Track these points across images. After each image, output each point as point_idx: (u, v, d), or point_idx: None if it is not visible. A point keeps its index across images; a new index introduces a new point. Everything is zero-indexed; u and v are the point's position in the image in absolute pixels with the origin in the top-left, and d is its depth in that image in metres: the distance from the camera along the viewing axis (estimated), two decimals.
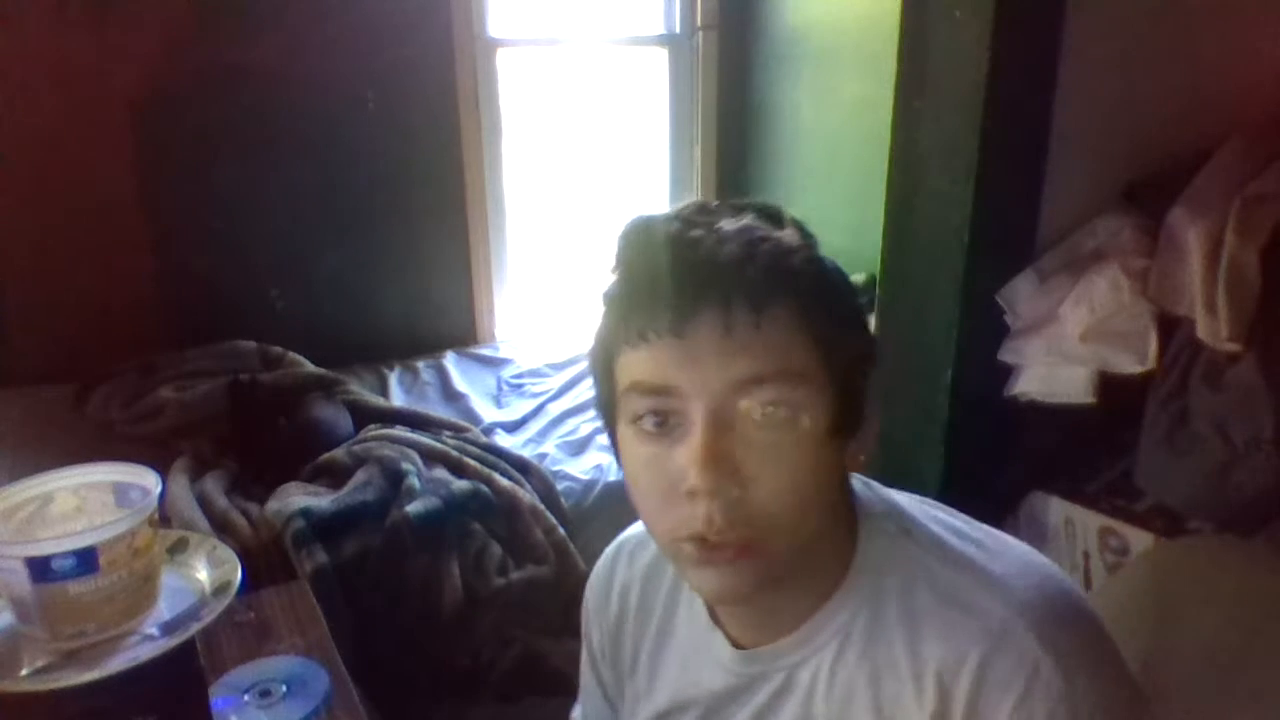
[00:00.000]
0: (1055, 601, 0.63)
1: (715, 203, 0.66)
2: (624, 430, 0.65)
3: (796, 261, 0.61)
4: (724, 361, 0.59)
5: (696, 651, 0.75)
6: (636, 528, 0.84)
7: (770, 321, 0.59)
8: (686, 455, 0.60)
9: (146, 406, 1.99)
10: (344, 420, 2.00)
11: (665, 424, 0.62)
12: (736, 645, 0.72)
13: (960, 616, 0.62)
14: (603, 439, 2.05)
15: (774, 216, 0.65)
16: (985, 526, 0.70)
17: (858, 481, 0.72)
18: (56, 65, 2.06)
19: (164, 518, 1.12)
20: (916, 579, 0.65)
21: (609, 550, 0.86)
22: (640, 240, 0.64)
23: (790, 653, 0.68)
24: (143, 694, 0.73)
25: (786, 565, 0.63)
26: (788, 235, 0.63)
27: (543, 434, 2.11)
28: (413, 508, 1.66)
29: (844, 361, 0.62)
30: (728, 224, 0.62)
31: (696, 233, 0.61)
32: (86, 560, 0.70)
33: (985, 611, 0.61)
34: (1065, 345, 1.96)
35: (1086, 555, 1.85)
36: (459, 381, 2.39)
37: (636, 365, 0.62)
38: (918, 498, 0.73)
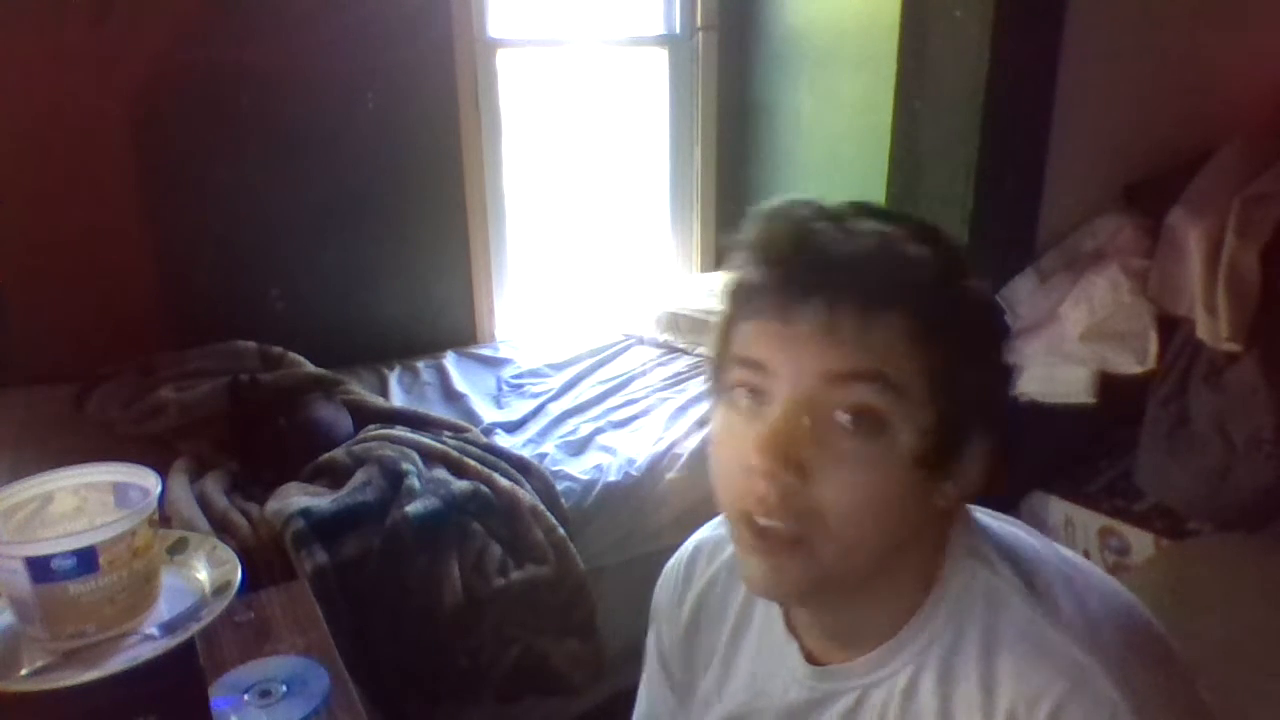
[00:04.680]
0: (1136, 642, 0.62)
1: (872, 204, 0.66)
2: (722, 400, 0.66)
3: (921, 278, 0.60)
4: (819, 351, 0.59)
5: (769, 659, 0.75)
6: (714, 528, 0.85)
7: (879, 327, 0.59)
8: (757, 434, 0.60)
9: (146, 406, 1.99)
10: (344, 420, 2.00)
11: (756, 399, 0.63)
12: (810, 658, 0.71)
13: (1038, 656, 0.61)
14: (603, 439, 2.06)
15: (921, 229, 0.63)
16: (1074, 556, 0.69)
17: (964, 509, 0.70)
18: (56, 65, 2.06)
19: (164, 518, 1.12)
20: (999, 614, 0.64)
21: (685, 550, 0.87)
22: (771, 220, 0.64)
23: (864, 673, 0.68)
24: (143, 694, 0.73)
25: (840, 580, 0.63)
26: (921, 250, 0.61)
27: (543, 434, 2.11)
28: (413, 508, 1.66)
29: (956, 394, 0.61)
30: (863, 224, 0.61)
31: (824, 224, 0.61)
32: (86, 560, 0.70)
33: (1064, 653, 0.60)
34: (1065, 345, 1.97)
35: (1086, 555, 1.85)
36: (459, 381, 2.39)
37: (743, 338, 0.64)
38: (1016, 522, 0.72)
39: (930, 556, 0.67)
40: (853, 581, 0.64)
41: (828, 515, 0.60)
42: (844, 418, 0.59)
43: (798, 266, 0.61)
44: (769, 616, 0.76)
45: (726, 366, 0.65)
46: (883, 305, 0.59)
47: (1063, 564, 0.68)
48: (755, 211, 0.65)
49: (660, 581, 0.88)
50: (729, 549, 0.80)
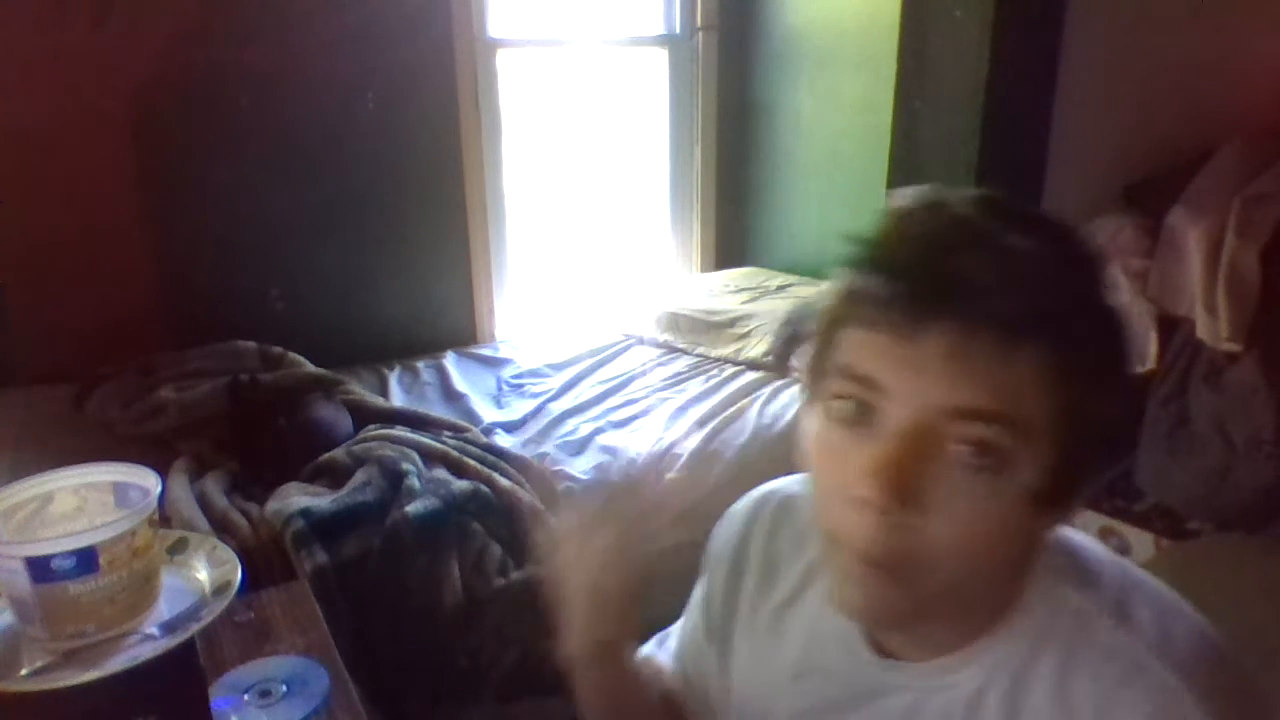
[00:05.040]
0: (1220, 670, 0.61)
1: (1014, 204, 0.58)
2: (821, 405, 0.61)
3: (1070, 302, 0.55)
4: (945, 382, 0.54)
5: (827, 637, 0.72)
6: (789, 484, 0.81)
7: (1015, 361, 0.53)
8: (871, 462, 0.56)
9: (146, 406, 1.99)
10: (344, 420, 2.00)
11: (863, 415, 0.57)
12: (874, 648, 0.69)
13: (1126, 676, 0.59)
14: (603, 439, 2.06)
15: (1072, 244, 0.57)
16: (1154, 579, 0.66)
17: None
18: (56, 65, 2.06)
19: (164, 518, 1.12)
20: (1084, 634, 0.61)
21: (752, 497, 0.83)
22: (904, 220, 0.58)
23: (928, 677, 0.66)
24: (143, 694, 0.73)
25: (940, 605, 0.61)
26: (1071, 270, 0.56)
27: (543, 434, 2.11)
28: (413, 508, 1.66)
29: (1082, 430, 0.56)
30: (1005, 239, 0.55)
31: (965, 237, 0.55)
32: (86, 560, 0.70)
33: (1155, 675, 0.58)
34: None
35: None
36: (459, 381, 2.39)
37: (855, 348, 0.58)
38: (1094, 540, 0.70)
39: (1015, 574, 0.64)
40: (951, 607, 0.62)
41: (936, 550, 0.56)
42: (962, 450, 0.55)
43: (929, 284, 0.54)
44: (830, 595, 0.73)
45: (828, 373, 0.60)
46: (1024, 337, 0.53)
47: (1149, 588, 0.65)
48: (882, 212, 0.60)
49: (724, 519, 0.85)
50: (800, 514, 0.78)
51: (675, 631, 0.93)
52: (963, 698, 0.64)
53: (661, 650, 0.94)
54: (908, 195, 0.59)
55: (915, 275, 0.55)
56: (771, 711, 0.76)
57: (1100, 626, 0.62)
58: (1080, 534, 0.70)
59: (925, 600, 0.59)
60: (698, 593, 0.89)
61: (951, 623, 0.64)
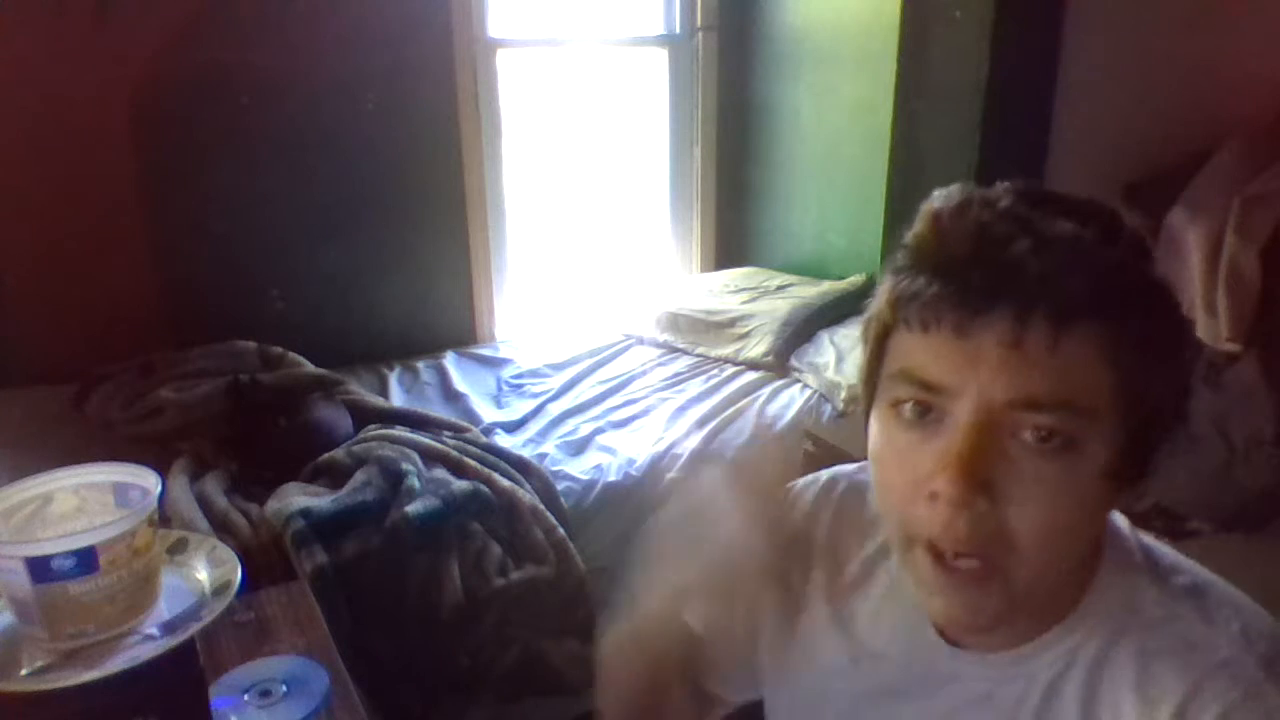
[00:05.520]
0: None
1: (1048, 192, 0.59)
2: (882, 409, 0.61)
3: (1118, 282, 0.55)
4: (1005, 374, 0.55)
5: (896, 624, 0.72)
6: (855, 470, 0.80)
7: (1070, 344, 0.54)
8: (940, 458, 0.56)
9: (146, 406, 1.99)
10: (344, 420, 2.00)
11: (926, 415, 0.58)
12: (944, 634, 0.68)
13: (1210, 666, 0.58)
14: (603, 439, 2.06)
15: (1110, 223, 0.58)
16: (1223, 580, 0.66)
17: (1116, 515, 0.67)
18: (57, 65, 2.06)
19: (164, 518, 1.12)
20: (1160, 623, 0.61)
21: (825, 477, 0.82)
22: (947, 218, 0.58)
23: (1002, 667, 0.65)
24: (143, 694, 0.73)
25: (1031, 601, 0.60)
26: (1119, 251, 0.56)
27: (543, 434, 2.11)
28: (413, 508, 1.66)
29: (1145, 404, 0.57)
30: (1050, 226, 0.55)
31: (1010, 228, 0.56)
32: (86, 560, 0.70)
33: (1239, 665, 0.58)
34: None
35: None
36: (459, 381, 2.39)
37: (910, 352, 0.59)
38: (1162, 543, 0.69)
39: (1087, 563, 0.64)
40: (1042, 599, 0.61)
41: (1019, 539, 0.56)
42: (1030, 436, 0.55)
43: (980, 277, 0.55)
44: (899, 583, 0.72)
45: (887, 380, 0.61)
46: (1075, 319, 0.54)
47: (1222, 585, 0.65)
48: (924, 210, 0.60)
49: (787, 502, 0.82)
50: (867, 502, 0.77)
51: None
52: (1039, 686, 0.64)
53: None
54: (942, 196, 0.60)
55: (965, 271, 0.56)
56: (828, 692, 0.76)
57: (1181, 618, 0.62)
58: (1147, 535, 0.69)
59: (1022, 597, 0.59)
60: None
61: (1025, 612, 0.64)
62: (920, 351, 0.58)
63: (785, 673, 0.80)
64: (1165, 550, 0.68)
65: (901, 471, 0.60)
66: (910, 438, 0.59)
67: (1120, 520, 0.68)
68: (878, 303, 0.62)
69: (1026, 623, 0.65)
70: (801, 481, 0.83)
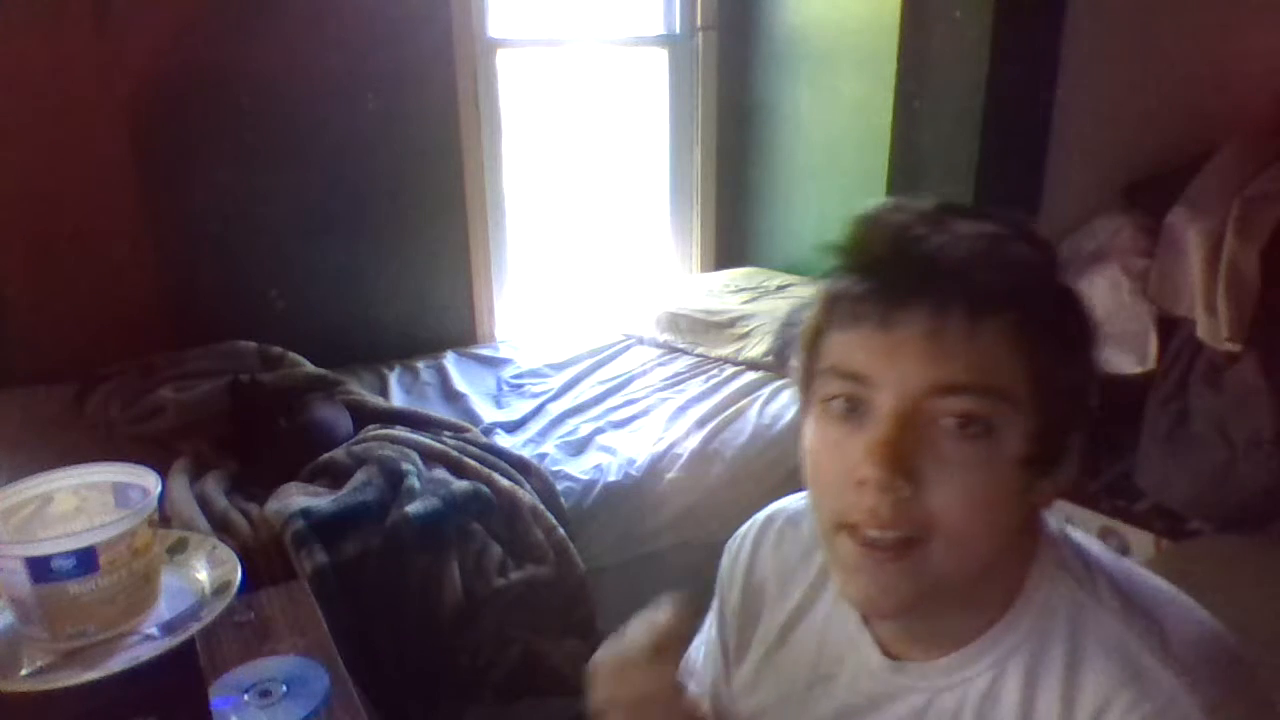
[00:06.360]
0: (1224, 672, 0.61)
1: (961, 204, 0.64)
2: (815, 409, 0.65)
3: (1027, 277, 0.60)
4: (925, 362, 0.58)
5: (838, 645, 0.74)
6: (793, 502, 0.84)
7: (986, 333, 0.58)
8: (867, 446, 0.59)
9: (146, 406, 1.99)
10: (344, 420, 2.00)
11: (854, 410, 0.61)
12: (884, 650, 0.70)
13: (1126, 675, 0.60)
14: (603, 439, 2.06)
15: (1018, 226, 0.62)
16: (1164, 582, 0.68)
17: (1050, 517, 0.69)
18: (55, 65, 2.06)
19: (164, 518, 1.12)
20: (1086, 628, 0.63)
21: (759, 519, 0.86)
22: (866, 226, 0.63)
23: (939, 676, 0.67)
24: (143, 694, 0.73)
25: (947, 588, 0.62)
26: (1026, 248, 0.61)
27: (543, 434, 2.11)
28: (413, 508, 1.66)
29: (1056, 392, 0.60)
30: (964, 226, 0.60)
31: (924, 229, 0.60)
32: (86, 560, 0.70)
33: (1154, 675, 0.59)
34: None
35: None
36: (459, 381, 2.39)
37: (838, 348, 0.63)
38: (1101, 544, 0.71)
39: (1018, 565, 0.66)
40: (959, 588, 0.62)
41: (939, 520, 0.59)
42: (950, 423, 0.59)
43: (900, 272, 0.59)
44: (840, 603, 0.75)
45: (819, 378, 0.64)
46: (990, 309, 0.58)
47: (1155, 587, 0.67)
48: (850, 219, 0.64)
49: (729, 545, 0.87)
50: (805, 527, 0.80)
51: (695, 662, 0.93)
52: (976, 694, 0.65)
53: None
54: (868, 205, 0.64)
55: (886, 267, 0.60)
56: None
57: (1102, 622, 0.63)
58: (1082, 533, 0.71)
59: (938, 580, 0.61)
60: (712, 620, 0.90)
61: (956, 614, 0.66)
62: (847, 346, 0.62)
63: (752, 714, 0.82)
64: (1098, 552, 0.69)
65: (833, 463, 0.63)
66: (841, 431, 0.62)
67: (1054, 523, 0.69)
68: (812, 309, 0.66)
69: (958, 626, 0.66)
70: (740, 530, 0.87)
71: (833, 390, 0.62)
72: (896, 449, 0.58)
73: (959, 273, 0.58)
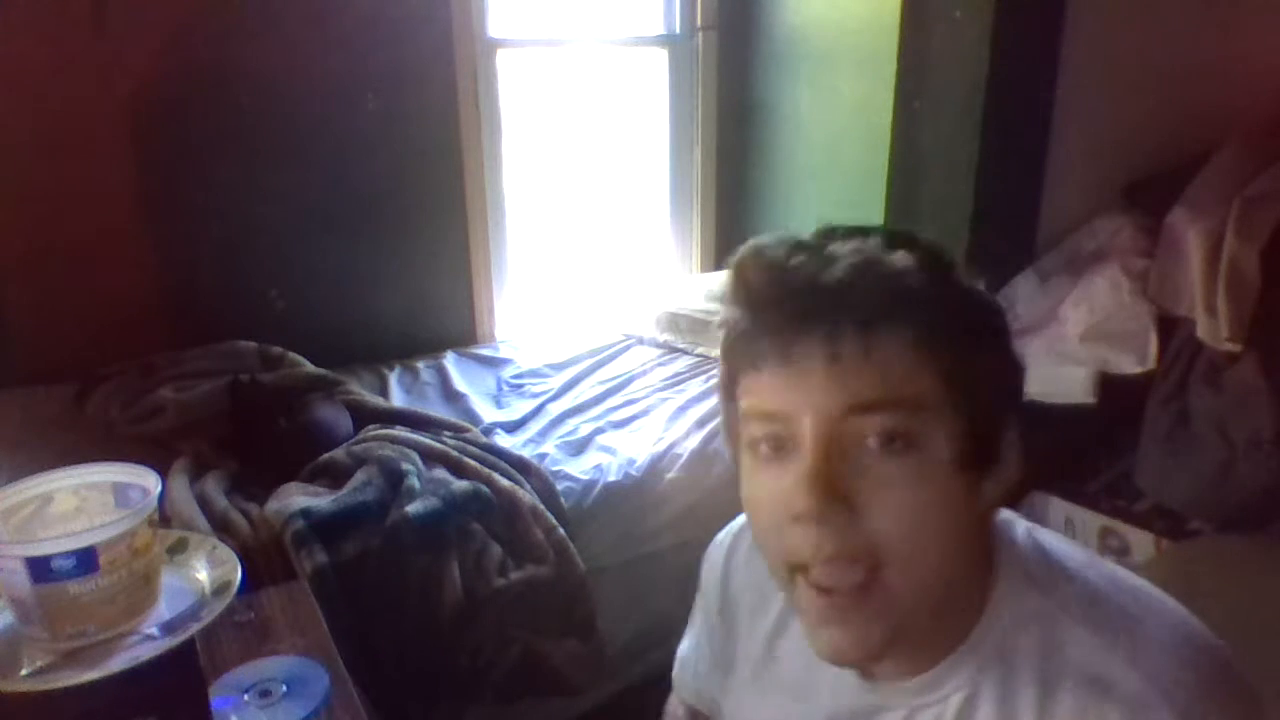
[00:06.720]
0: (1202, 676, 0.60)
1: (840, 226, 0.64)
2: (744, 455, 0.65)
3: (912, 284, 0.59)
4: (831, 387, 0.58)
5: (815, 663, 0.72)
6: None
7: (882, 347, 0.58)
8: (793, 479, 0.59)
9: (146, 406, 1.99)
10: (344, 420, 2.00)
11: (780, 449, 0.61)
12: (858, 669, 0.70)
13: (1098, 688, 0.59)
14: (603, 439, 2.06)
15: (897, 237, 0.62)
16: (1138, 579, 0.66)
17: (1008, 522, 0.68)
18: (56, 65, 2.06)
19: (164, 518, 1.12)
20: (1056, 639, 0.62)
21: (735, 526, 0.86)
22: (748, 266, 0.63)
23: (914, 695, 0.67)
24: (143, 694, 0.73)
25: (913, 616, 0.61)
26: (904, 257, 0.60)
27: (543, 434, 2.11)
28: (413, 508, 1.66)
29: (974, 388, 0.60)
30: (839, 247, 0.60)
31: (801, 257, 0.60)
32: (86, 560, 0.70)
33: (1126, 686, 0.58)
34: (1065, 345, 1.97)
35: None
36: (459, 381, 2.39)
37: (751, 391, 0.62)
38: (1073, 542, 0.70)
39: (981, 574, 0.65)
40: (925, 611, 0.61)
41: (888, 547, 0.58)
42: (873, 443, 0.58)
43: (787, 304, 0.59)
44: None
45: (741, 422, 0.64)
46: (880, 321, 0.58)
47: (1133, 589, 0.65)
48: (730, 262, 0.64)
49: (707, 553, 0.87)
50: None
51: (682, 663, 0.93)
52: (952, 710, 0.65)
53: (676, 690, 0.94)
54: (743, 246, 0.64)
55: (772, 303, 0.60)
56: None
57: (1070, 634, 0.62)
58: (1049, 533, 0.70)
59: (904, 614, 0.60)
60: (698, 621, 0.90)
61: (926, 635, 0.65)
62: (758, 388, 0.62)
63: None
64: (1061, 553, 0.68)
65: (770, 504, 0.62)
66: (771, 473, 0.62)
67: (1013, 527, 0.68)
68: (723, 357, 0.66)
69: (929, 645, 0.65)
70: (718, 537, 0.87)
71: (755, 434, 0.62)
72: (825, 478, 0.58)
73: (842, 294, 0.58)
